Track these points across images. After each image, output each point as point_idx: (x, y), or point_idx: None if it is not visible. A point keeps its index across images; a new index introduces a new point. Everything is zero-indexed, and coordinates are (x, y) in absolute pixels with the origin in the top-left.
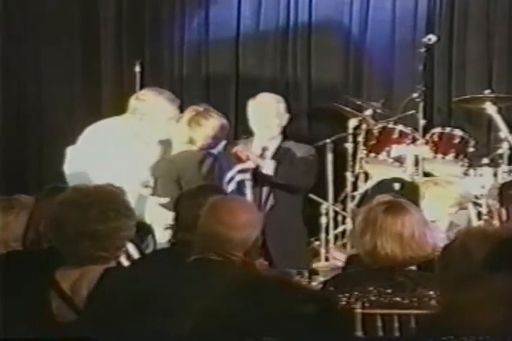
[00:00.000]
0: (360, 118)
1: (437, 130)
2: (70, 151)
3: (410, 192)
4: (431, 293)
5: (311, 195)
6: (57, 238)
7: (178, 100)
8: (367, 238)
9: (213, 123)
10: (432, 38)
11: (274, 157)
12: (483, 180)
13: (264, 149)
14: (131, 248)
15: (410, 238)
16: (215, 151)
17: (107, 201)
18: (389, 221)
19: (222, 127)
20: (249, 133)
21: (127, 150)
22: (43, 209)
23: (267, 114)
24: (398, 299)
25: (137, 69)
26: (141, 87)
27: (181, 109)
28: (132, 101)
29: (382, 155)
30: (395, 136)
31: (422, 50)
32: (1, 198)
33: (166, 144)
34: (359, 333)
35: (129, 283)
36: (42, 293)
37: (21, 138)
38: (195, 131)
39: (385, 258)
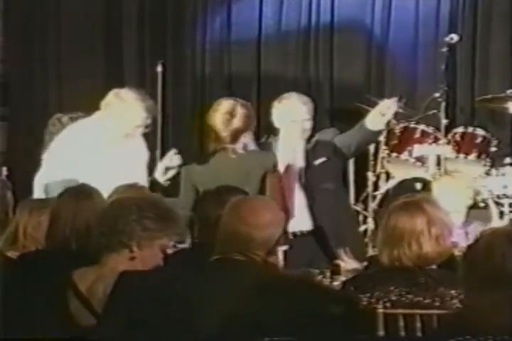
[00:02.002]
0: None
1: (459, 129)
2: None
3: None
4: (453, 292)
5: None
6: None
7: (155, 112)
8: (391, 240)
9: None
10: (455, 37)
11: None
12: (506, 180)
13: (294, 151)
14: None
15: (430, 237)
16: None
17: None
18: (407, 220)
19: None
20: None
21: (109, 149)
22: (68, 209)
23: (301, 115)
24: (420, 299)
25: (159, 69)
26: (163, 87)
27: (202, 110)
28: (111, 97)
29: (404, 155)
30: (417, 135)
31: (445, 49)
32: (34, 198)
33: None
34: (381, 333)
35: (150, 284)
36: (60, 294)
37: (41, 140)
38: None
39: (405, 258)
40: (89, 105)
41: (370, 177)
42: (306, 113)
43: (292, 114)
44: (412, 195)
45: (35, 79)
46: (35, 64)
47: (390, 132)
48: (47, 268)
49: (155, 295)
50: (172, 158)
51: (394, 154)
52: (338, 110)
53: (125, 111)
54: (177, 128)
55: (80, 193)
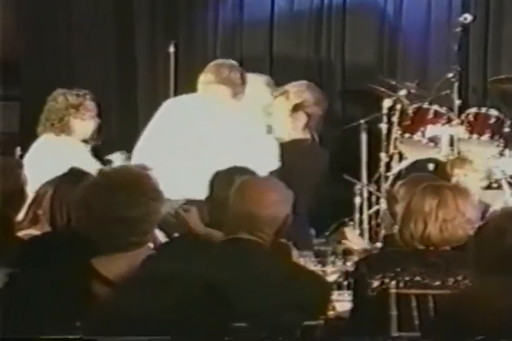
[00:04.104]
0: (394, 98)
1: (473, 110)
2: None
3: (445, 172)
4: (464, 272)
5: (345, 176)
6: (86, 224)
7: None
8: (404, 219)
9: None
10: (468, 17)
11: None
12: None
13: None
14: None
15: (436, 220)
16: None
17: (135, 185)
18: (426, 202)
19: None
20: None
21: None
22: (64, 193)
23: None
24: (432, 279)
25: (171, 50)
26: (176, 68)
27: None
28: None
29: (417, 136)
30: (430, 116)
31: (458, 29)
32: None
33: None
34: (394, 312)
35: (166, 265)
36: (80, 282)
37: None
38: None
39: (420, 239)
40: (101, 85)
41: (383, 158)
42: None
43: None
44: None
45: (47, 59)
46: (46, 44)
47: (403, 113)
48: (57, 252)
49: (170, 276)
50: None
51: (407, 135)
52: (350, 91)
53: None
54: None
55: (76, 177)
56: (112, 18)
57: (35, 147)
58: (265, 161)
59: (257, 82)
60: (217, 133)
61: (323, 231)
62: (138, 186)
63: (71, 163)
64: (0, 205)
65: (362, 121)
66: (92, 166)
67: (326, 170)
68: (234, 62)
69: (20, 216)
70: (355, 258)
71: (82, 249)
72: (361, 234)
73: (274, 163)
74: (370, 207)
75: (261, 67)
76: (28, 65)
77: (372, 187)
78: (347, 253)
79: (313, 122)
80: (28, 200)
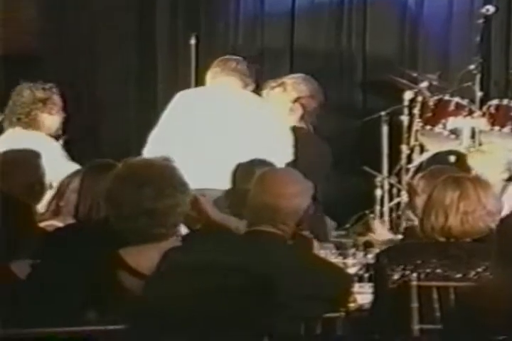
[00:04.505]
0: (415, 90)
1: (494, 102)
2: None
3: (466, 164)
4: (485, 264)
5: (366, 168)
6: (113, 215)
7: None
8: (425, 211)
9: None
10: (490, 8)
11: None
12: None
13: None
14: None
15: (457, 212)
16: None
17: (163, 177)
18: (447, 194)
19: None
20: None
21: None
22: (91, 185)
23: None
24: (453, 271)
25: (192, 41)
26: (197, 60)
27: None
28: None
29: (438, 128)
30: (451, 108)
31: (480, 21)
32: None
33: None
34: (415, 305)
35: (189, 259)
36: (107, 273)
37: (75, 113)
38: None
39: (440, 231)
40: (122, 78)
41: (404, 150)
42: None
43: None
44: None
45: (68, 52)
46: (67, 37)
47: (424, 105)
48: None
49: (194, 269)
50: None
51: (428, 127)
52: (370, 82)
53: None
54: None
55: (103, 169)
56: (133, 11)
57: (3, 140)
58: (281, 151)
59: None
60: (231, 123)
61: (343, 224)
62: (164, 178)
63: (44, 157)
64: (21, 196)
65: (383, 113)
66: (63, 161)
67: (329, 160)
68: (240, 58)
69: (42, 207)
70: (376, 250)
71: (109, 240)
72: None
73: (289, 154)
74: (391, 199)
75: (282, 58)
76: (49, 60)
77: (393, 180)
78: (368, 245)
79: (308, 114)
80: (51, 192)
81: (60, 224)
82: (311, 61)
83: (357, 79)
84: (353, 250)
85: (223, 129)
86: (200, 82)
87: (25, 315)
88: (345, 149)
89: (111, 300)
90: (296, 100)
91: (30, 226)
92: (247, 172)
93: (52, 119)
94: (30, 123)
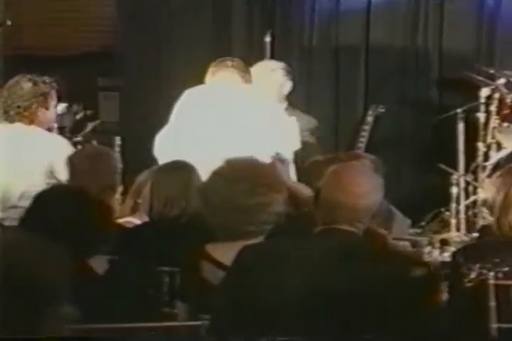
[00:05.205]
0: (492, 87)
1: None
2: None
3: None
4: None
5: (442, 165)
6: (206, 210)
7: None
8: (502, 209)
9: None
10: None
11: None
12: None
13: None
14: None
15: None
16: None
17: (257, 175)
18: None
19: None
20: None
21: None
22: (164, 183)
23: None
24: None
25: (267, 39)
26: (271, 58)
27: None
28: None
29: None
30: None
31: None
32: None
33: None
34: (492, 303)
35: (264, 258)
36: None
37: (143, 109)
38: None
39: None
40: (199, 74)
41: (481, 147)
42: None
43: None
44: None
45: (147, 49)
46: (147, 35)
47: (501, 102)
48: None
49: (269, 267)
50: None
51: (505, 124)
52: (447, 79)
53: None
54: None
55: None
56: (209, 8)
57: (10, 137)
58: (289, 141)
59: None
60: (238, 116)
61: (419, 221)
62: (259, 176)
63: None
64: (100, 192)
65: (459, 110)
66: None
67: None
68: (235, 58)
69: (118, 204)
70: (452, 248)
71: (188, 236)
72: (458, 224)
73: (297, 143)
74: (467, 197)
75: (357, 55)
76: (128, 56)
77: (470, 177)
78: (443, 243)
79: None
80: (130, 189)
81: (137, 221)
82: (387, 59)
83: (433, 77)
84: (428, 248)
85: (231, 123)
86: None
87: (103, 311)
88: (422, 147)
89: (195, 295)
90: None
91: (108, 222)
92: (319, 169)
93: (49, 114)
94: (31, 118)
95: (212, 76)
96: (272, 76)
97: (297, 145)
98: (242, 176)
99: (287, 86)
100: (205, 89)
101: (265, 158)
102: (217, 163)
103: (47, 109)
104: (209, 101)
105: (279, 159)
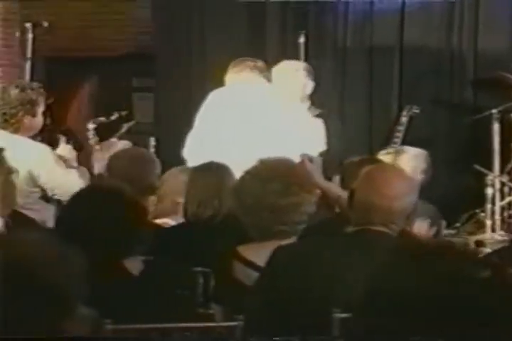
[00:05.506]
0: None
1: None
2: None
3: None
4: None
5: (477, 166)
6: (238, 210)
7: None
8: None
9: None
10: None
11: None
12: None
13: None
14: None
15: None
16: None
17: (290, 175)
18: None
19: None
20: None
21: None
22: (198, 183)
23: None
24: None
25: (301, 40)
26: (305, 59)
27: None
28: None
29: None
30: None
31: None
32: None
33: None
34: None
35: (298, 258)
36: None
37: (177, 110)
38: None
39: None
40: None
41: None
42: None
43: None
44: None
45: (180, 51)
46: (180, 37)
47: None
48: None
49: (302, 268)
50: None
51: None
52: (481, 80)
53: None
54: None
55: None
56: (243, 9)
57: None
58: (315, 142)
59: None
60: (264, 117)
61: (454, 223)
62: (292, 176)
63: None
64: (138, 193)
65: (494, 111)
66: (59, 168)
67: None
68: (255, 59)
69: (154, 204)
70: (488, 249)
71: (227, 236)
72: (493, 225)
73: (322, 144)
74: (502, 198)
75: (391, 56)
76: (162, 57)
77: (505, 178)
78: (479, 244)
79: None
80: (168, 189)
81: (173, 222)
82: (421, 59)
83: (468, 77)
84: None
85: (257, 124)
86: None
87: (138, 312)
88: (456, 147)
89: (229, 295)
90: None
91: (144, 223)
92: (354, 169)
93: (35, 122)
94: (18, 126)
95: (234, 76)
96: (294, 76)
97: (323, 146)
98: (275, 176)
99: (309, 86)
100: (230, 90)
101: (295, 157)
102: (243, 163)
103: (33, 116)
104: (234, 101)
105: (309, 159)
